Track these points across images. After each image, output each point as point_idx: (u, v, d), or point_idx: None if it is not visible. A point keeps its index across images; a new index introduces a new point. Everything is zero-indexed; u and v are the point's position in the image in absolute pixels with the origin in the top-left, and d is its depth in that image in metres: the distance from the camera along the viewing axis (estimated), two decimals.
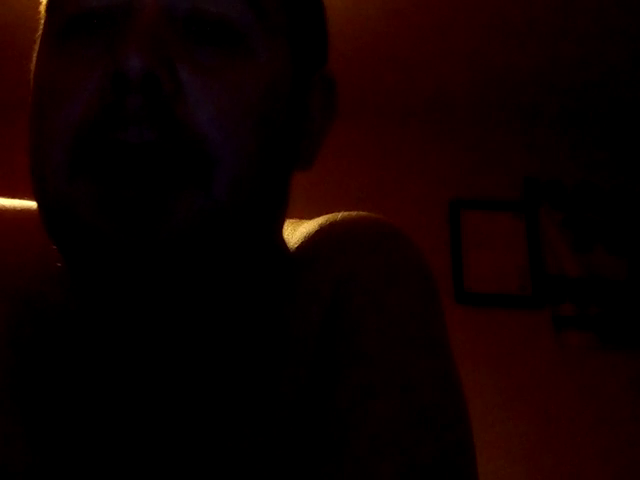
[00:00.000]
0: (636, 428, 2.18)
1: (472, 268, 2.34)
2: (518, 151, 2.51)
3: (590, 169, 2.49)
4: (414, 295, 0.52)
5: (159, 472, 0.49)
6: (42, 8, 0.50)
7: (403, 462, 0.44)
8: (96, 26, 0.45)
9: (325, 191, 2.15)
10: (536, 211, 2.42)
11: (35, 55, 0.49)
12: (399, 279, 0.52)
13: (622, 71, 2.30)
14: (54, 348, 0.50)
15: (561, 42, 2.19)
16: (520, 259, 2.36)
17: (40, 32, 0.50)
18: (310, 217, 0.59)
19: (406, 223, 0.61)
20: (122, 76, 0.41)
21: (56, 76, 0.45)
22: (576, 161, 2.50)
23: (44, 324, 0.51)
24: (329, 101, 0.56)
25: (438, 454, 0.45)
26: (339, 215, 0.56)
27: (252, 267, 0.51)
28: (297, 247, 0.55)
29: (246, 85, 0.45)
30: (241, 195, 0.44)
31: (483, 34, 2.17)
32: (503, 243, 2.38)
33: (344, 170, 2.36)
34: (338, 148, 1.87)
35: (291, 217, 0.57)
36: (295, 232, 0.57)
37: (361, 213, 0.57)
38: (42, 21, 0.50)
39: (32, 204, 0.51)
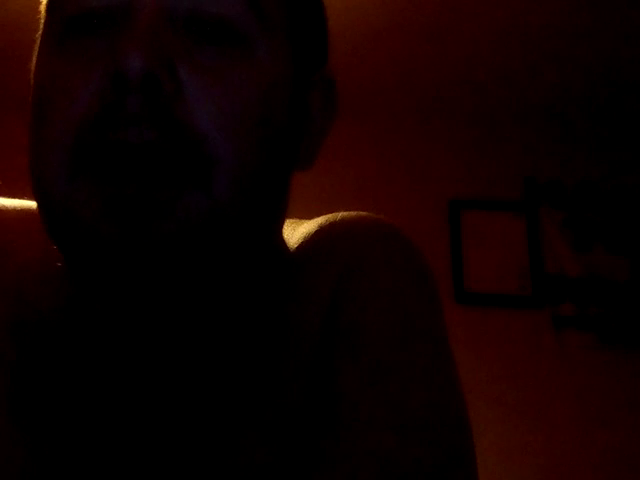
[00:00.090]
0: (636, 428, 2.18)
1: (472, 268, 2.34)
2: (518, 151, 2.50)
3: (590, 169, 2.49)
4: (414, 295, 0.52)
5: (159, 472, 0.49)
6: (42, 8, 0.50)
7: (403, 463, 0.44)
8: (96, 26, 0.45)
9: (325, 191, 2.15)
10: (536, 211, 2.42)
11: (35, 55, 0.49)
12: (399, 279, 0.52)
13: (622, 71, 2.30)
14: (54, 348, 0.50)
15: (561, 42, 2.18)
16: (520, 259, 2.36)
17: (40, 32, 0.50)
18: (310, 217, 0.59)
19: (406, 223, 0.61)
20: (122, 76, 0.41)
21: (56, 76, 0.45)
22: (576, 161, 2.50)
23: (44, 324, 0.51)
24: (329, 101, 0.56)
25: (438, 454, 0.45)
26: (339, 215, 0.56)
27: (252, 267, 0.51)
28: (297, 247, 0.55)
29: (246, 85, 0.45)
30: (241, 195, 0.44)
31: (483, 34, 2.17)
32: (503, 243, 2.38)
33: (344, 170, 2.36)
34: (338, 148, 1.87)
35: (291, 217, 0.57)
36: (295, 232, 0.57)
37: (361, 213, 0.57)
38: (42, 21, 0.50)
39: (32, 204, 0.51)
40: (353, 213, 0.56)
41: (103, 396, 0.50)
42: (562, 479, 2.12)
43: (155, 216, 0.42)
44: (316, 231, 0.55)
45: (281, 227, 0.56)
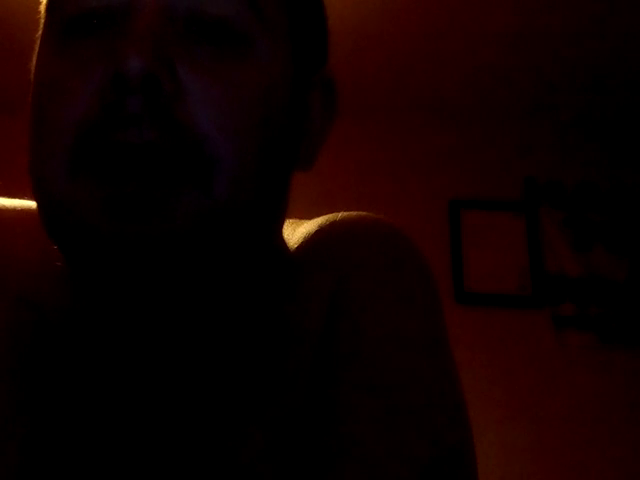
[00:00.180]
0: (636, 428, 2.18)
1: (472, 268, 2.34)
2: (518, 151, 2.50)
3: (590, 169, 2.49)
4: (414, 295, 0.52)
5: (159, 471, 0.49)
6: (42, 8, 0.50)
7: (403, 462, 0.44)
8: (96, 26, 0.45)
9: (325, 191, 2.15)
10: (536, 211, 2.42)
11: (35, 55, 0.49)
12: (399, 279, 0.52)
13: (622, 71, 2.30)
14: (54, 347, 0.50)
15: (561, 42, 2.19)
16: (520, 259, 2.36)
17: (40, 32, 0.50)
18: (310, 217, 0.59)
19: (406, 223, 0.61)
20: (122, 77, 0.41)
21: (56, 77, 0.45)
22: (576, 161, 2.50)
23: (44, 323, 0.51)
24: (329, 101, 0.56)
25: (438, 454, 0.45)
26: (339, 215, 0.56)
27: (252, 267, 0.51)
28: (297, 247, 0.55)
29: (246, 85, 0.45)
30: (241, 194, 0.44)
31: (483, 34, 2.17)
32: (503, 243, 2.38)
33: (344, 170, 2.36)
34: (338, 148, 1.87)
35: (291, 217, 0.57)
36: (295, 232, 0.57)
37: (361, 213, 0.57)
38: (42, 21, 0.50)
39: (32, 204, 0.51)
40: (353, 213, 0.56)
41: (104, 395, 0.50)
42: (562, 478, 2.12)
43: (155, 214, 0.42)
44: (316, 231, 0.55)
45: (281, 227, 0.56)
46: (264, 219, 0.50)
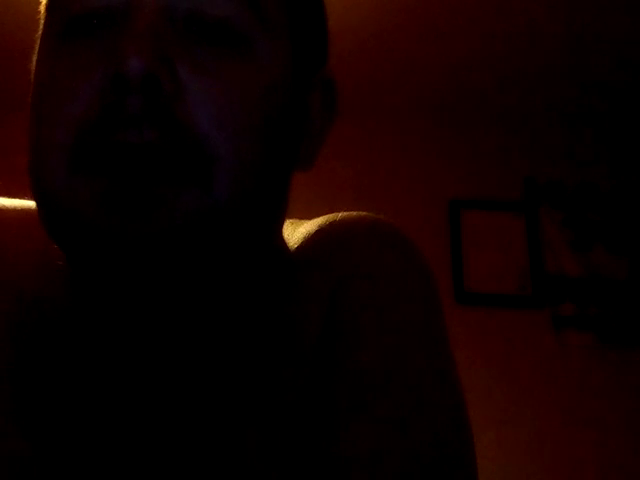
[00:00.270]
0: (636, 428, 2.18)
1: (472, 268, 2.34)
2: (518, 151, 2.51)
3: (590, 169, 2.49)
4: (414, 295, 0.52)
5: (159, 471, 0.49)
6: (42, 8, 0.50)
7: (403, 462, 0.44)
8: (96, 26, 0.45)
9: (325, 191, 2.15)
10: (536, 211, 2.42)
11: (35, 55, 0.49)
12: (399, 279, 0.52)
13: (622, 71, 2.30)
14: (54, 346, 0.50)
15: (561, 43, 2.19)
16: (520, 259, 2.36)
17: (40, 32, 0.50)
18: (310, 217, 0.59)
19: (406, 223, 0.61)
20: (122, 77, 0.41)
21: (56, 77, 0.45)
22: (576, 161, 2.50)
23: (44, 323, 0.51)
24: (329, 101, 0.56)
25: (438, 454, 0.45)
26: (339, 215, 0.56)
27: (252, 266, 0.51)
28: (297, 247, 0.55)
29: (246, 85, 0.45)
30: (241, 194, 0.44)
31: (483, 34, 2.17)
32: (503, 243, 2.38)
33: (344, 170, 2.36)
34: (338, 148, 1.87)
35: (291, 217, 0.57)
36: (295, 232, 0.57)
37: (361, 213, 0.57)
38: (42, 21, 0.50)
39: (32, 204, 0.51)
40: (353, 213, 0.56)
41: (103, 394, 0.50)
42: (562, 478, 2.12)
43: (154, 211, 0.42)
44: (316, 231, 0.55)
45: (281, 227, 0.56)
46: (264, 218, 0.50)
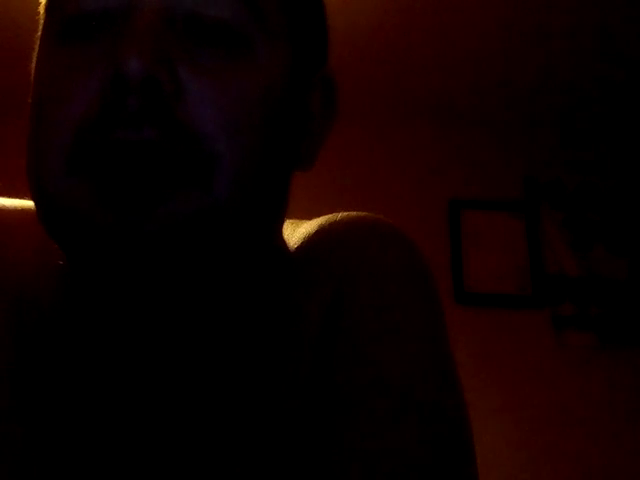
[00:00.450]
0: (636, 428, 2.18)
1: (472, 268, 2.34)
2: (518, 151, 2.50)
3: (590, 169, 2.49)
4: (414, 295, 0.52)
5: (159, 470, 0.49)
6: (41, 8, 0.50)
7: (403, 461, 0.44)
8: (95, 27, 0.45)
9: (325, 191, 2.15)
10: (536, 211, 2.42)
11: (35, 56, 0.49)
12: (399, 279, 0.52)
13: (622, 71, 2.30)
14: (54, 346, 0.50)
15: (561, 42, 2.18)
16: (520, 259, 2.36)
17: (39, 32, 0.50)
18: (310, 217, 0.59)
19: (406, 223, 0.61)
20: (122, 78, 0.41)
21: (56, 78, 0.45)
22: (576, 161, 2.50)
23: (44, 322, 0.51)
24: (330, 101, 0.56)
25: (438, 453, 0.45)
26: (339, 215, 0.56)
27: (252, 265, 0.51)
28: (297, 247, 0.55)
29: (246, 86, 0.45)
30: (241, 193, 0.45)
31: (483, 34, 2.17)
32: (503, 243, 2.38)
33: (344, 170, 2.36)
34: (338, 148, 1.87)
35: (291, 217, 0.57)
36: (295, 232, 0.57)
37: (361, 213, 0.57)
38: (41, 21, 0.50)
39: (32, 204, 0.51)
40: (353, 213, 0.56)
41: (103, 393, 0.50)
42: (561, 478, 2.12)
43: (154, 210, 0.42)
44: (316, 231, 0.55)
45: (281, 227, 0.56)
46: (264, 218, 0.50)
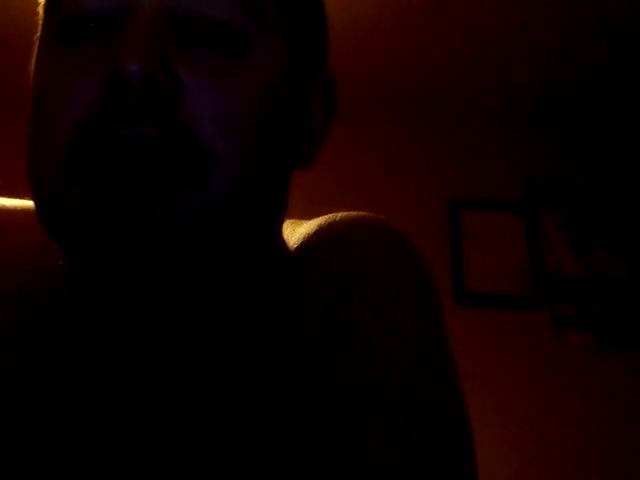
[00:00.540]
0: (636, 428, 2.18)
1: (472, 268, 2.34)
2: (518, 151, 2.50)
3: (590, 169, 2.49)
4: (414, 295, 0.52)
5: (160, 470, 0.49)
6: (40, 9, 0.50)
7: (403, 462, 0.44)
8: (94, 28, 0.45)
9: (325, 191, 2.15)
10: (536, 211, 2.42)
11: (34, 56, 0.49)
12: (399, 279, 0.52)
13: (622, 71, 2.30)
14: (54, 346, 0.50)
15: (560, 42, 2.19)
16: (520, 259, 2.36)
17: (38, 33, 0.50)
18: (310, 217, 0.59)
19: (406, 223, 0.61)
20: (121, 78, 0.41)
21: (55, 79, 0.45)
22: (576, 161, 2.50)
23: (44, 322, 0.51)
24: (329, 100, 0.56)
25: (438, 453, 0.45)
26: (338, 215, 0.56)
27: (252, 266, 0.51)
28: (297, 247, 0.55)
29: (245, 85, 0.45)
30: (238, 192, 0.45)
31: (484, 34, 2.17)
32: (503, 243, 2.38)
33: (344, 170, 2.36)
34: (338, 148, 1.87)
35: (291, 217, 0.57)
36: (295, 232, 0.57)
37: (360, 213, 0.57)
38: (40, 22, 0.50)
39: (32, 204, 0.51)
40: (353, 213, 0.56)
41: (103, 393, 0.50)
42: (562, 478, 2.12)
43: (152, 209, 0.42)
44: (316, 231, 0.55)
45: (281, 227, 0.56)
46: (263, 218, 0.50)
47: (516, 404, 2.19)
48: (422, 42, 2.20)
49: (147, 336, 0.49)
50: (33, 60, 0.49)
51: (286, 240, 0.56)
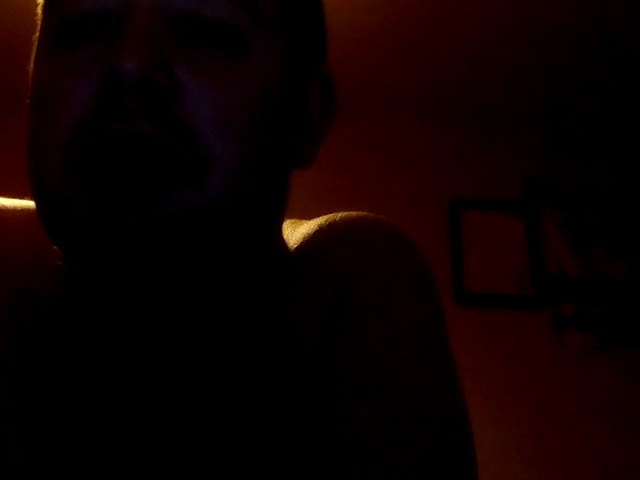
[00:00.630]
0: (636, 428, 2.18)
1: (472, 268, 2.34)
2: (518, 151, 2.50)
3: (590, 169, 2.49)
4: (414, 295, 0.52)
5: (160, 470, 0.49)
6: (39, 9, 0.50)
7: (404, 462, 0.44)
8: (92, 28, 0.45)
9: (325, 191, 2.15)
10: (536, 211, 2.42)
11: (33, 56, 0.49)
12: (399, 279, 0.52)
13: (622, 70, 2.30)
14: (53, 346, 0.50)
15: (560, 42, 2.19)
16: (520, 259, 2.36)
17: (37, 33, 0.50)
18: (310, 217, 0.59)
19: (406, 223, 0.61)
20: (117, 77, 0.41)
21: (53, 79, 0.45)
22: (576, 161, 2.50)
23: (43, 322, 0.51)
24: (328, 99, 0.55)
25: (438, 454, 0.45)
26: (338, 215, 0.56)
27: (251, 265, 0.51)
28: (297, 247, 0.55)
29: (242, 85, 0.45)
30: (236, 191, 0.45)
31: (484, 34, 2.17)
32: (503, 243, 2.38)
33: (344, 170, 2.36)
34: (338, 148, 1.87)
35: (291, 217, 0.57)
36: (295, 232, 0.57)
37: (361, 213, 0.57)
38: (39, 22, 0.50)
39: (32, 204, 0.51)
40: (353, 213, 0.56)
41: (103, 393, 0.50)
42: (562, 478, 2.12)
43: (150, 208, 0.42)
44: (316, 231, 0.55)
45: (280, 226, 0.56)
46: (261, 217, 0.50)
47: (516, 404, 2.19)
48: (422, 42, 2.20)
49: (146, 335, 0.49)
50: (31, 60, 0.50)
51: (286, 240, 0.56)
